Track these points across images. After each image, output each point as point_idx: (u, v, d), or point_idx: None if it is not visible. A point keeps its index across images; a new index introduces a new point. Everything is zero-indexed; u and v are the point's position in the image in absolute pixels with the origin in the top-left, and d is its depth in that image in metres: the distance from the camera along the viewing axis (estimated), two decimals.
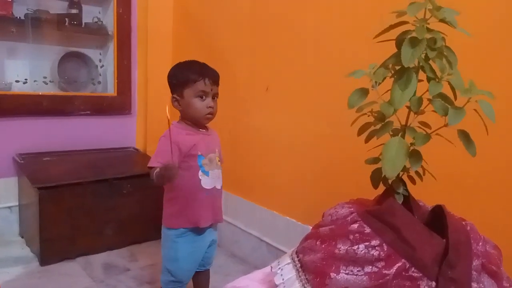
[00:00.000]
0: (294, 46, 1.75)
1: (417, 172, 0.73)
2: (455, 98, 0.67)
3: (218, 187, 1.37)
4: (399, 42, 0.68)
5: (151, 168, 1.28)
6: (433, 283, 0.62)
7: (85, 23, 2.37)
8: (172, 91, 1.37)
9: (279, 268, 0.74)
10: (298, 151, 1.76)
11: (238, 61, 2.04)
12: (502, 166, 0.97)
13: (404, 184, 0.73)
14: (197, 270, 1.47)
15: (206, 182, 1.32)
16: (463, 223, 0.71)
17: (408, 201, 0.72)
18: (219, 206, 1.40)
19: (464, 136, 0.65)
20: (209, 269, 1.52)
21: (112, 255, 2.04)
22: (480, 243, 0.68)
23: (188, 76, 1.30)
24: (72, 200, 1.93)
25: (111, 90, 2.43)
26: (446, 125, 0.65)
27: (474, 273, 0.64)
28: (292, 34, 1.76)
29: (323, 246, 0.69)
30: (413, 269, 0.63)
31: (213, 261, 1.52)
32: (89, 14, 2.38)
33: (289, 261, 0.74)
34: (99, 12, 2.42)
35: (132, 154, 2.48)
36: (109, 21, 2.38)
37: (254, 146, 1.98)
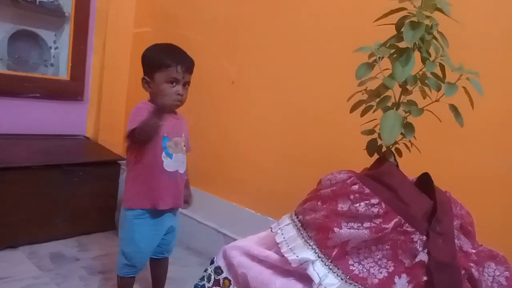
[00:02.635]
0: (259, 38, 1.81)
1: (405, 144, 0.82)
2: (444, 77, 0.77)
3: (181, 171, 1.37)
4: (399, 26, 0.77)
5: (132, 131, 1.24)
6: (424, 237, 0.70)
7: (39, 1, 2.25)
8: (144, 72, 1.36)
9: (279, 228, 0.78)
10: (259, 143, 1.81)
11: (203, 53, 2.05)
12: (482, 141, 1.11)
13: (394, 155, 0.81)
14: (156, 258, 1.46)
15: (169, 164, 1.32)
16: (443, 190, 0.80)
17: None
18: (180, 191, 1.39)
19: (454, 109, 0.74)
20: (167, 258, 1.50)
21: (59, 245, 1.93)
22: (458, 207, 0.78)
23: (161, 60, 1.30)
24: (19, 185, 1.82)
25: (63, 74, 2.32)
26: (437, 100, 0.74)
27: (455, 231, 0.74)
28: (257, 25, 1.82)
29: (324, 206, 0.74)
30: (407, 224, 0.70)
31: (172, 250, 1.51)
32: None
33: (289, 222, 0.78)
34: None
35: (82, 142, 2.38)
36: (67, 2, 2.28)
37: (214, 138, 2.00)
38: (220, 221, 1.96)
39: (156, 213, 1.35)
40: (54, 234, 1.95)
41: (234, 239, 1.87)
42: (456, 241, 0.73)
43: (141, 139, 1.26)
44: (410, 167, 0.86)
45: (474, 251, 0.75)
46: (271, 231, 0.79)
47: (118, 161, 2.18)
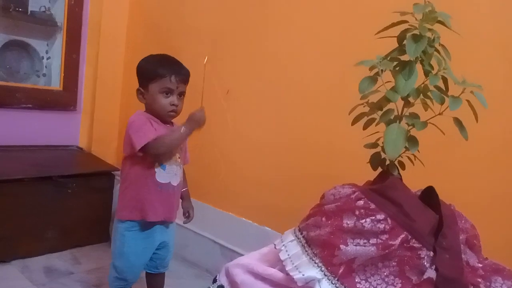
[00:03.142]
0: (254, 49, 1.80)
1: (409, 158, 0.81)
2: (447, 90, 0.77)
3: (174, 183, 1.33)
4: (400, 39, 0.76)
5: (145, 146, 1.22)
6: (431, 253, 0.69)
7: (31, 11, 2.23)
8: (139, 83, 1.34)
9: (283, 245, 0.76)
10: (255, 153, 1.79)
11: (197, 64, 2.04)
12: (485, 154, 1.11)
13: (398, 168, 0.81)
14: (151, 272, 1.43)
15: (161, 175, 1.30)
16: (448, 203, 0.80)
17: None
18: (172, 204, 1.36)
19: (458, 122, 0.74)
20: (163, 273, 1.47)
21: (52, 259, 1.89)
22: (463, 221, 0.77)
23: (155, 71, 1.28)
24: (11, 198, 1.78)
25: (56, 84, 2.29)
26: (441, 114, 0.73)
27: (461, 246, 0.73)
28: (252, 36, 1.81)
29: (329, 222, 0.73)
30: (413, 240, 0.69)
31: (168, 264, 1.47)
32: (36, 2, 2.24)
33: (293, 238, 0.77)
34: (49, 2, 2.29)
35: (75, 152, 2.35)
36: (59, 12, 2.26)
37: (209, 148, 1.98)
38: (216, 232, 1.94)
39: (146, 226, 1.32)
40: (48, 247, 1.91)
41: (231, 250, 1.86)
42: (462, 255, 0.72)
43: (161, 152, 1.25)
44: (413, 180, 0.85)
45: (480, 265, 0.74)
46: (275, 247, 0.78)
47: (112, 172, 2.14)
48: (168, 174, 1.31)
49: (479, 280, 0.69)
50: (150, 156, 1.26)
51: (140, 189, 1.29)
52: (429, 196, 0.78)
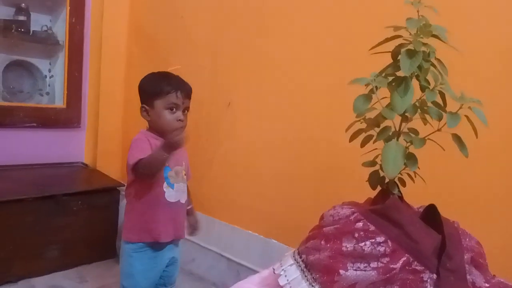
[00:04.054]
0: (254, 60, 1.79)
1: (409, 175, 0.79)
2: (445, 105, 0.75)
3: (182, 201, 1.35)
4: (395, 54, 0.74)
5: (136, 163, 1.21)
6: (434, 275, 0.67)
7: (33, 31, 2.25)
8: (142, 101, 1.34)
9: (282, 269, 0.74)
10: (258, 165, 1.78)
11: (197, 77, 2.04)
12: (488, 169, 1.08)
13: (398, 186, 0.78)
14: None
15: (171, 195, 1.30)
16: (451, 221, 0.77)
17: (402, 202, 0.77)
18: (181, 222, 1.37)
19: (457, 139, 0.72)
20: None
21: (58, 277, 1.90)
22: (467, 239, 0.74)
23: (161, 87, 1.28)
24: (15, 219, 1.79)
25: (59, 101, 2.31)
26: (439, 130, 0.71)
27: (466, 265, 0.70)
28: (252, 47, 1.80)
29: (328, 245, 0.71)
30: (415, 263, 0.67)
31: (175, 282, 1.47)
32: (38, 22, 2.27)
33: (292, 262, 0.75)
34: (50, 21, 2.31)
35: (80, 169, 2.36)
36: (60, 30, 2.28)
37: (213, 161, 1.97)
38: (222, 245, 1.92)
39: (157, 246, 1.32)
40: (53, 266, 1.92)
41: (237, 263, 1.85)
42: (468, 276, 0.69)
43: (145, 173, 1.23)
44: (415, 196, 0.83)
45: (487, 285, 0.71)
46: (274, 272, 0.76)
47: (117, 187, 2.15)
48: (177, 193, 1.31)
49: None
50: (137, 176, 1.25)
51: (149, 210, 1.28)
52: (431, 214, 0.76)
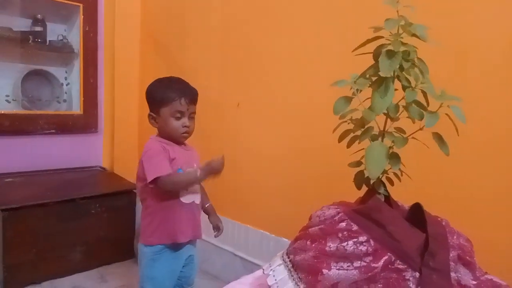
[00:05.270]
0: (264, 62, 1.81)
1: (395, 174, 0.79)
2: (428, 104, 0.75)
3: (197, 201, 1.38)
4: (376, 55, 0.75)
5: (157, 178, 1.24)
6: (417, 274, 0.67)
7: (49, 40, 2.33)
8: (150, 108, 1.37)
9: (271, 269, 0.76)
10: (270, 165, 1.80)
11: (208, 79, 2.07)
12: (471, 165, 1.08)
13: (384, 185, 0.79)
14: None
15: (185, 196, 1.33)
16: (439, 219, 0.77)
17: (389, 201, 0.78)
18: (197, 222, 1.39)
19: (438, 138, 0.72)
20: None
21: (80, 278, 1.97)
22: (455, 236, 0.74)
23: (164, 95, 1.31)
24: (36, 222, 1.87)
25: (76, 108, 2.39)
26: (421, 129, 0.71)
27: (452, 263, 0.70)
28: (262, 50, 1.82)
29: (313, 245, 0.73)
30: (398, 261, 0.68)
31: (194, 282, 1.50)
32: (54, 32, 2.35)
33: (281, 262, 0.77)
34: (65, 30, 2.40)
35: (99, 173, 2.44)
36: (75, 39, 2.36)
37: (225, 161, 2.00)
38: (236, 245, 1.96)
39: (175, 247, 1.35)
40: (75, 267, 2.00)
41: (251, 262, 1.87)
42: (453, 274, 0.69)
43: (169, 188, 1.27)
44: (404, 194, 0.83)
45: (474, 282, 0.71)
46: (263, 272, 0.78)
47: (134, 190, 2.21)
48: (191, 194, 1.35)
49: None
50: (158, 188, 1.27)
51: (166, 213, 1.31)
52: (417, 213, 0.76)
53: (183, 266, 1.42)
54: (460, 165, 1.07)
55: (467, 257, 0.73)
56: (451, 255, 0.71)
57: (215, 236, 1.46)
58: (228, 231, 1.98)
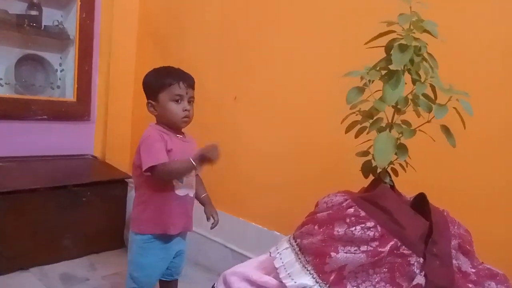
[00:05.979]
0: (262, 56, 1.82)
1: (401, 164, 0.82)
2: (436, 98, 0.78)
3: (191, 195, 1.37)
4: (388, 48, 0.77)
5: (154, 166, 1.23)
6: (421, 259, 0.70)
7: (45, 25, 2.30)
8: (147, 97, 1.36)
9: (278, 252, 0.78)
10: (267, 159, 1.81)
11: (205, 71, 2.08)
12: (474, 160, 1.12)
13: (389, 175, 0.82)
14: (165, 280, 1.46)
15: (180, 188, 1.33)
16: (441, 209, 0.80)
17: (393, 190, 0.81)
18: (190, 215, 1.39)
19: (446, 130, 0.75)
20: (177, 280, 1.50)
21: (70, 265, 1.96)
22: (456, 226, 0.78)
23: (163, 80, 1.31)
24: (28, 208, 1.85)
25: (70, 95, 2.37)
26: (429, 121, 0.74)
27: (453, 251, 0.74)
28: (260, 44, 1.83)
29: (321, 229, 0.75)
30: (403, 247, 0.70)
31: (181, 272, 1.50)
32: (49, 17, 2.32)
33: (287, 245, 0.79)
34: (61, 16, 2.37)
35: (90, 161, 2.42)
36: (71, 25, 2.34)
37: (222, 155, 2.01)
38: (228, 237, 1.96)
39: (166, 238, 1.35)
40: (65, 254, 1.98)
41: (242, 254, 1.89)
42: (454, 261, 0.73)
43: (165, 177, 1.27)
44: (407, 185, 0.86)
45: (473, 270, 0.75)
46: (270, 255, 0.80)
47: (125, 179, 2.20)
48: (185, 187, 1.34)
49: (471, 286, 0.70)
50: (153, 177, 1.27)
51: (160, 204, 1.31)
52: (421, 202, 0.79)
53: (174, 257, 1.42)
54: (463, 160, 1.10)
55: (467, 246, 0.76)
56: (452, 243, 0.74)
57: (210, 228, 1.46)
58: (220, 223, 1.99)
